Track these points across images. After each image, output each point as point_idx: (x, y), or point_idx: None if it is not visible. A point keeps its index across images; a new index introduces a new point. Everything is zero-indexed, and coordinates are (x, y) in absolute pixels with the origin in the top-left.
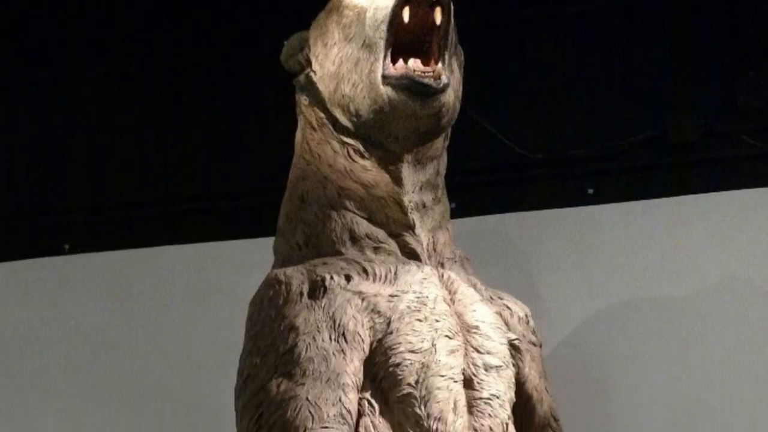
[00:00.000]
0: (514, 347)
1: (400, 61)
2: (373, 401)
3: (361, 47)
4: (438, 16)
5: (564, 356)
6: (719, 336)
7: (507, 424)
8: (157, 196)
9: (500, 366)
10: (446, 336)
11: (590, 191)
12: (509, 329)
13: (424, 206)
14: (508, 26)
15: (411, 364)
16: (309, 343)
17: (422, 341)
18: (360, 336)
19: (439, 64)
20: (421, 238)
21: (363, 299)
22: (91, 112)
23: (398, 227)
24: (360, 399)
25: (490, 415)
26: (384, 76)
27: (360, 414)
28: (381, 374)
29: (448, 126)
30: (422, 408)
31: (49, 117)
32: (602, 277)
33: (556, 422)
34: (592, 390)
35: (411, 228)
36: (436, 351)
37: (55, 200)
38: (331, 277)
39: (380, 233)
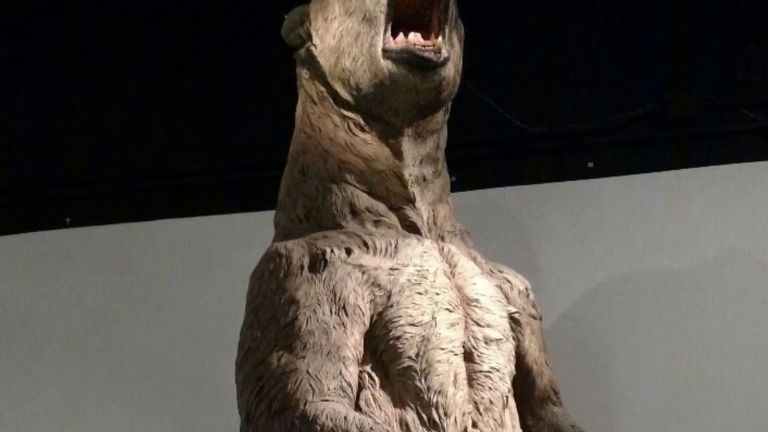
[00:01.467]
0: (514, 320)
1: (401, 35)
2: (373, 374)
3: (362, 21)
4: None
5: (564, 329)
6: (719, 308)
7: (507, 397)
8: (158, 169)
9: (500, 339)
10: (446, 309)
11: (590, 165)
12: (509, 302)
13: (424, 179)
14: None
15: (411, 337)
16: (309, 317)
17: (422, 314)
18: (360, 309)
19: (440, 38)
20: (422, 211)
21: (363, 272)
22: (92, 85)
23: (398, 201)
24: (360, 372)
25: (490, 388)
26: (384, 50)
27: (360, 387)
28: (381, 347)
29: (449, 100)
30: (422, 381)
31: (50, 90)
32: (602, 250)
33: (556, 395)
34: (592, 363)
35: (411, 201)
36: (436, 324)
37: (56, 174)
38: (332, 251)
39: (381, 206)
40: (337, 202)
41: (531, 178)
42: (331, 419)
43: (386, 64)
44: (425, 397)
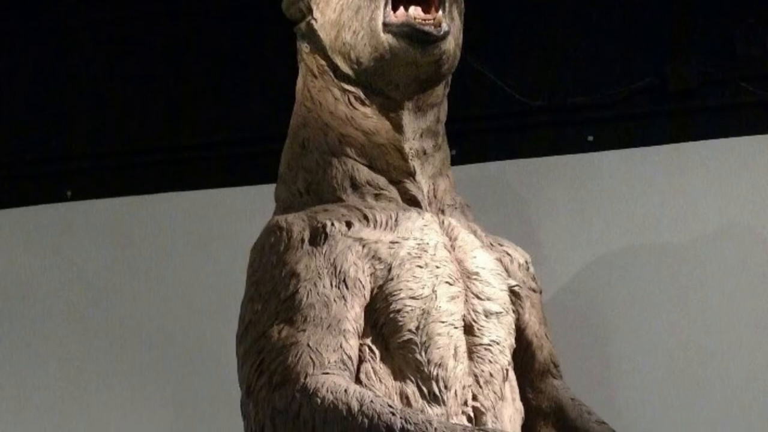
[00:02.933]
0: (514, 293)
1: (401, 9)
2: (373, 347)
3: None
4: None
5: (564, 302)
6: (718, 281)
7: (507, 370)
8: (159, 143)
9: (500, 312)
10: (447, 282)
11: (590, 138)
12: (509, 276)
13: (424, 153)
14: None
15: (411, 310)
16: (310, 290)
17: (423, 288)
18: (361, 282)
19: (440, 12)
20: (422, 184)
21: (364, 246)
22: (93, 59)
23: (399, 174)
24: (361, 345)
25: (490, 361)
26: (385, 24)
27: (361, 360)
28: (382, 320)
29: (449, 73)
30: (423, 354)
31: (51, 64)
32: (602, 224)
33: (556, 368)
34: (591, 336)
35: (411, 175)
36: (436, 297)
37: (57, 147)
38: (332, 224)
39: (381, 180)
40: (338, 176)
41: (531, 152)
42: (331, 392)
43: (387, 38)
44: (425, 370)
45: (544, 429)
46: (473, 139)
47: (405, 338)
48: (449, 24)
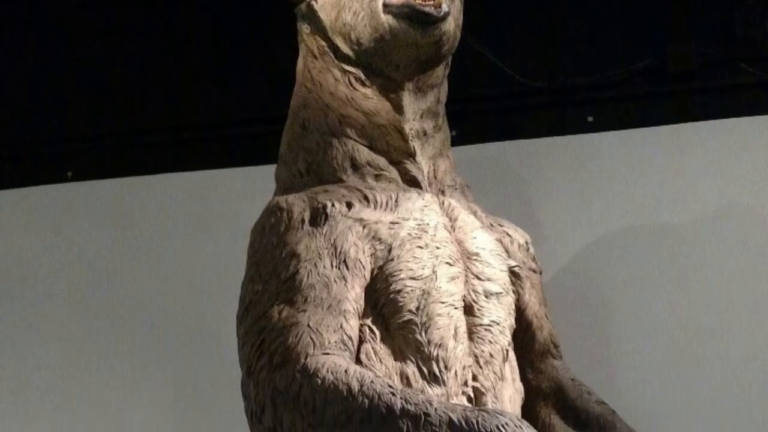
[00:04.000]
0: (514, 274)
1: None
2: (374, 328)
3: None
4: None
5: (564, 283)
6: (718, 262)
7: (507, 351)
8: (160, 123)
9: (500, 293)
10: (447, 263)
11: (590, 119)
12: (509, 256)
13: (424, 134)
14: None
15: (412, 290)
16: (310, 270)
17: (423, 268)
18: (361, 263)
19: None
20: (422, 165)
21: (364, 226)
22: (94, 39)
23: (399, 155)
24: (361, 326)
25: (490, 341)
26: (385, 5)
27: (361, 340)
28: (382, 301)
29: (449, 54)
30: (423, 334)
31: (52, 44)
32: (602, 205)
33: (556, 348)
34: (591, 316)
35: (412, 155)
36: (436, 278)
37: (58, 128)
38: (333, 204)
39: (381, 161)
40: (338, 157)
41: (531, 133)
42: (331, 372)
43: (387, 19)
44: (425, 350)
45: (543, 409)
46: (473, 119)
47: (405, 319)
48: (449, 5)
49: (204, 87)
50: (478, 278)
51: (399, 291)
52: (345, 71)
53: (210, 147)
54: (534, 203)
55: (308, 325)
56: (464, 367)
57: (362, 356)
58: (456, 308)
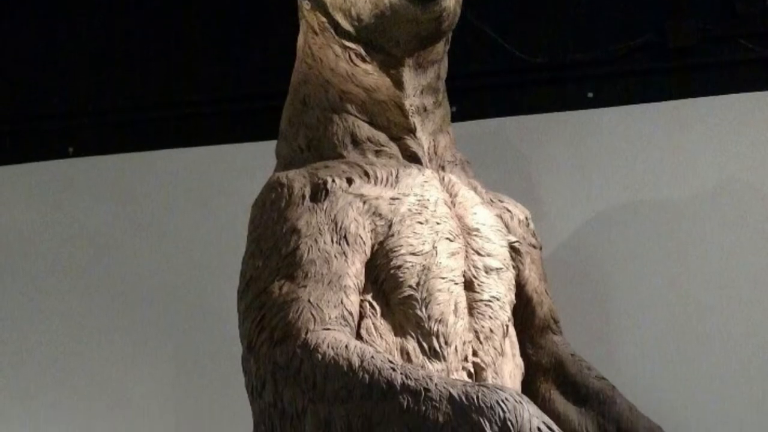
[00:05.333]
0: (514, 249)
1: None
2: (374, 303)
3: None
4: None
5: (564, 258)
6: (717, 237)
7: (507, 326)
8: (161, 99)
9: (500, 268)
10: (447, 238)
11: (590, 95)
12: (509, 232)
13: (425, 110)
14: None
15: (412, 266)
16: (311, 246)
17: (423, 244)
18: (361, 238)
19: None
20: (422, 141)
21: (364, 202)
22: (95, 15)
23: (399, 131)
24: (361, 301)
25: (490, 316)
26: None
27: (361, 316)
28: (382, 276)
29: (449, 30)
30: (423, 310)
31: (53, 20)
32: (601, 180)
33: (556, 324)
34: (591, 292)
35: (412, 131)
36: (436, 253)
37: (59, 104)
38: (333, 180)
39: (381, 136)
40: (339, 132)
41: (531, 109)
42: (332, 348)
43: None
44: (426, 326)
45: (543, 384)
46: (473, 95)
47: (405, 294)
48: None
49: (205, 63)
50: (478, 254)
51: (399, 266)
52: (345, 47)
53: (211, 123)
54: (534, 179)
55: (309, 301)
56: (464, 343)
57: (363, 332)
58: (456, 284)
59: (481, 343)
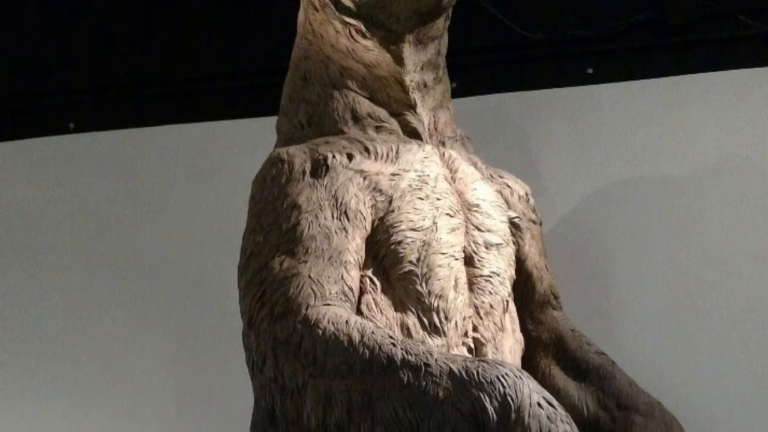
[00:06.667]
0: (514, 225)
1: None
2: (374, 279)
3: None
4: None
5: (563, 234)
6: (717, 213)
7: (507, 301)
8: (162, 75)
9: (501, 244)
10: (447, 214)
11: (590, 71)
12: (509, 207)
13: (425, 86)
14: None
15: (412, 242)
16: (311, 221)
17: (423, 219)
18: (362, 214)
19: None
20: (423, 117)
21: (365, 178)
22: None
23: (400, 106)
24: (362, 277)
25: (490, 292)
26: None
27: (362, 291)
28: (382, 252)
29: (449, 6)
30: (423, 285)
31: None
32: (601, 156)
33: (556, 299)
34: (591, 267)
35: (412, 107)
36: (437, 229)
37: (60, 80)
38: (333, 156)
39: (382, 112)
40: (339, 108)
41: (531, 84)
42: (332, 323)
43: None
44: (426, 301)
45: (543, 360)
46: (473, 71)
47: (406, 270)
48: None
49: (206, 39)
50: (479, 229)
51: (399, 242)
52: (346, 23)
53: (211, 99)
54: (534, 154)
55: (309, 276)
56: (464, 318)
57: (363, 307)
58: (456, 259)
59: (481, 318)
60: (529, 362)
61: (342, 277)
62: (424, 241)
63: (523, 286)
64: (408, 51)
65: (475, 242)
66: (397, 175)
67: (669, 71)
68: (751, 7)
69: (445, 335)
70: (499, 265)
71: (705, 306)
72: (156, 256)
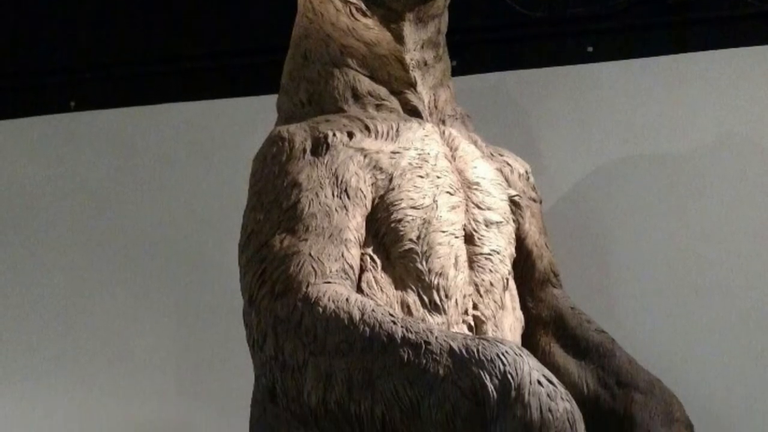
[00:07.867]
0: (514, 203)
1: None
2: (375, 257)
3: None
4: None
5: (563, 212)
6: (717, 191)
7: (507, 279)
8: (163, 53)
9: (501, 222)
10: (447, 192)
11: (590, 49)
12: (509, 185)
13: (425, 64)
14: None
15: (412, 220)
16: (312, 199)
17: (423, 197)
18: (362, 192)
19: None
20: (423, 95)
21: (365, 156)
22: None
23: (400, 85)
24: (362, 255)
25: (490, 270)
26: None
27: (362, 269)
28: (383, 230)
29: None
30: (423, 263)
31: None
32: (601, 134)
33: (556, 277)
34: (591, 245)
35: (412, 85)
36: (437, 207)
37: (61, 58)
38: (334, 134)
39: (382, 91)
40: (339, 86)
41: (531, 63)
42: (333, 301)
43: None
44: (426, 279)
45: (543, 338)
46: (474, 49)
47: (406, 248)
48: None
49: (206, 17)
50: (479, 207)
51: (400, 220)
52: (346, 2)
53: (212, 77)
54: (534, 133)
55: (310, 254)
56: (465, 296)
57: (363, 285)
58: (456, 237)
59: (481, 296)
60: (529, 340)
61: (342, 255)
62: (424, 219)
63: (523, 264)
64: (408, 29)
65: (476, 220)
66: (398, 153)
67: (669, 49)
68: None
69: (445, 313)
70: (500, 243)
71: (704, 284)
72: (157, 234)
